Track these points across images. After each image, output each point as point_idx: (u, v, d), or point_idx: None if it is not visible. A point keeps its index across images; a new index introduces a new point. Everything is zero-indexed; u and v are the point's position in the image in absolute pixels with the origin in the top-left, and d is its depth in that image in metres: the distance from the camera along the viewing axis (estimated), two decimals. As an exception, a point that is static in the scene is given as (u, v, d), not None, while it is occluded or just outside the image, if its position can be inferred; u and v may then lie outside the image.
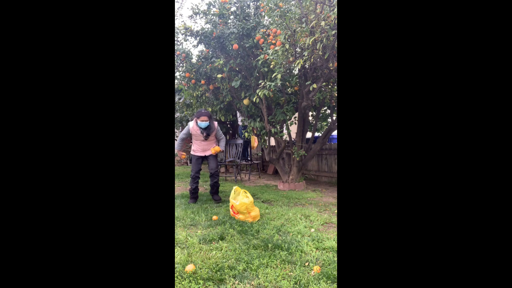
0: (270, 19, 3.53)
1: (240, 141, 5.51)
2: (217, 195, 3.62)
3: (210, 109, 4.90)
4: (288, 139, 4.67)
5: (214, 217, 2.78)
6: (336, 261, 1.73)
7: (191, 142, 3.61)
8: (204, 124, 3.30)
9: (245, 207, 2.67)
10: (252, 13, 4.41)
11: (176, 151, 3.48)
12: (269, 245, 2.01)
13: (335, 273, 1.57)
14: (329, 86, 4.17)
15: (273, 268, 1.68)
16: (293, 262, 1.76)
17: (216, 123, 3.54)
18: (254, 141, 4.15)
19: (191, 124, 3.42)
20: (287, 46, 3.05)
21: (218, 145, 3.59)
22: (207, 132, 3.40)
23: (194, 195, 3.58)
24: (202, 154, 3.55)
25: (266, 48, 3.51)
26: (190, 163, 9.72)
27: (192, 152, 3.61)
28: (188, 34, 4.26)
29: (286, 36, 3.03)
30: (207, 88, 4.62)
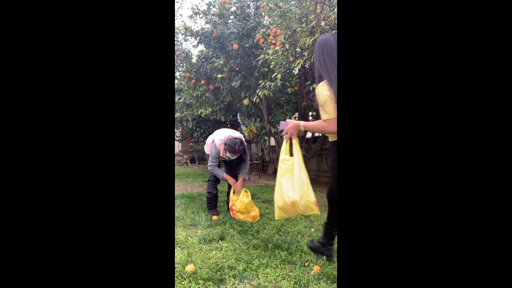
0: (270, 19, 3.52)
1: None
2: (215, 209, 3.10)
3: (210, 109, 4.88)
4: (288, 139, 4.66)
5: (214, 217, 2.78)
6: (336, 261, 1.73)
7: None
8: (233, 157, 2.82)
9: (245, 206, 2.67)
10: (252, 13, 4.41)
11: (225, 177, 2.85)
12: (269, 245, 2.01)
13: (335, 273, 1.57)
14: (329, 86, 4.16)
15: (273, 268, 1.68)
16: (293, 262, 1.76)
17: (246, 149, 2.91)
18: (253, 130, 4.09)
19: (219, 147, 2.82)
20: (287, 46, 3.05)
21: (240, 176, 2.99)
22: (237, 162, 3.00)
23: (216, 203, 3.04)
24: (223, 158, 3.04)
25: (266, 48, 3.51)
26: (191, 162, 9.63)
27: (208, 152, 3.11)
28: (188, 34, 4.26)
29: (286, 36, 3.03)
30: (207, 88, 4.62)
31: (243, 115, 4.81)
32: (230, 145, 2.70)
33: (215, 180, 3.02)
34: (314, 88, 3.42)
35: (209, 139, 3.07)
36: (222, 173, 2.87)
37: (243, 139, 2.84)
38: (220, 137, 2.86)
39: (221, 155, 2.85)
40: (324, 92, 1.48)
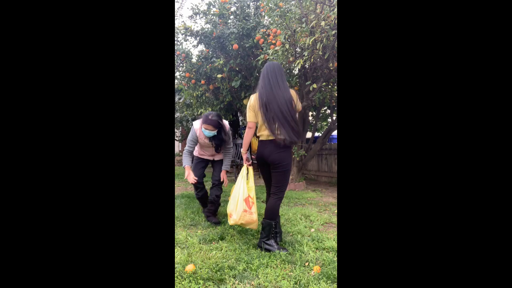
0: (270, 19, 3.52)
1: (240, 141, 5.51)
2: (215, 216, 2.73)
3: (210, 109, 4.88)
4: (288, 139, 4.65)
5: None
6: (336, 261, 1.73)
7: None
8: (208, 133, 2.48)
9: None
10: (252, 13, 4.41)
11: (185, 167, 2.58)
12: (269, 245, 2.01)
13: (335, 273, 1.57)
14: (329, 86, 4.17)
15: (273, 268, 1.68)
16: (293, 262, 1.76)
17: (228, 129, 2.65)
18: (255, 144, 4.06)
19: (196, 127, 2.59)
20: (287, 46, 3.05)
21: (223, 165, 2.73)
22: (216, 143, 2.59)
23: (205, 204, 2.78)
24: (210, 158, 2.77)
25: (266, 48, 3.51)
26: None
27: (195, 153, 2.77)
28: (188, 34, 4.26)
29: (286, 36, 3.03)
30: (207, 88, 4.62)
31: (244, 115, 4.81)
32: (205, 115, 2.48)
33: (198, 186, 2.70)
34: (314, 88, 3.42)
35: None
36: (187, 162, 2.57)
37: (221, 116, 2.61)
38: (198, 121, 2.64)
39: (198, 135, 2.57)
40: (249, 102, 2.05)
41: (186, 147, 2.61)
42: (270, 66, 2.00)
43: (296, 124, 1.96)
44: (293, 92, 1.99)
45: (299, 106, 2.04)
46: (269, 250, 1.93)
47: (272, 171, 2.03)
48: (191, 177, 2.54)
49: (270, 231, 1.96)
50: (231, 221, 2.06)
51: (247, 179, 2.13)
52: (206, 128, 2.45)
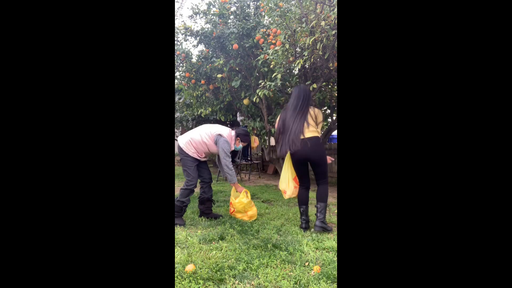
0: (270, 19, 3.52)
1: (240, 141, 5.50)
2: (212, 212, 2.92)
3: (210, 109, 4.87)
4: (288, 139, 4.65)
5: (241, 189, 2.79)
6: (336, 261, 1.73)
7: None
8: (239, 147, 2.75)
9: (243, 206, 2.70)
10: (252, 13, 4.41)
11: (235, 184, 2.74)
12: (269, 245, 2.01)
13: (335, 273, 1.57)
14: (329, 86, 4.17)
15: (273, 268, 1.68)
16: (293, 262, 1.76)
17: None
18: (254, 142, 4.04)
19: (229, 140, 2.66)
20: (287, 46, 3.05)
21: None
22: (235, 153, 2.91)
23: (183, 212, 2.68)
24: (204, 159, 2.78)
25: (266, 48, 3.50)
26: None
27: (192, 155, 2.64)
28: (188, 34, 4.26)
29: (286, 36, 3.03)
30: (207, 88, 4.62)
31: (244, 114, 4.81)
32: (245, 134, 2.78)
33: (192, 190, 2.68)
34: (314, 88, 3.42)
35: (196, 136, 2.64)
36: (236, 178, 2.73)
37: None
38: (224, 131, 2.68)
39: (231, 147, 2.71)
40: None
41: (228, 159, 2.62)
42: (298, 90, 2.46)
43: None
44: (313, 111, 2.38)
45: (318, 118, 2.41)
46: (326, 230, 2.28)
47: (314, 168, 2.38)
48: (242, 189, 2.77)
49: (325, 212, 2.34)
50: (286, 196, 2.56)
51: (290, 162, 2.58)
52: (243, 144, 2.76)
